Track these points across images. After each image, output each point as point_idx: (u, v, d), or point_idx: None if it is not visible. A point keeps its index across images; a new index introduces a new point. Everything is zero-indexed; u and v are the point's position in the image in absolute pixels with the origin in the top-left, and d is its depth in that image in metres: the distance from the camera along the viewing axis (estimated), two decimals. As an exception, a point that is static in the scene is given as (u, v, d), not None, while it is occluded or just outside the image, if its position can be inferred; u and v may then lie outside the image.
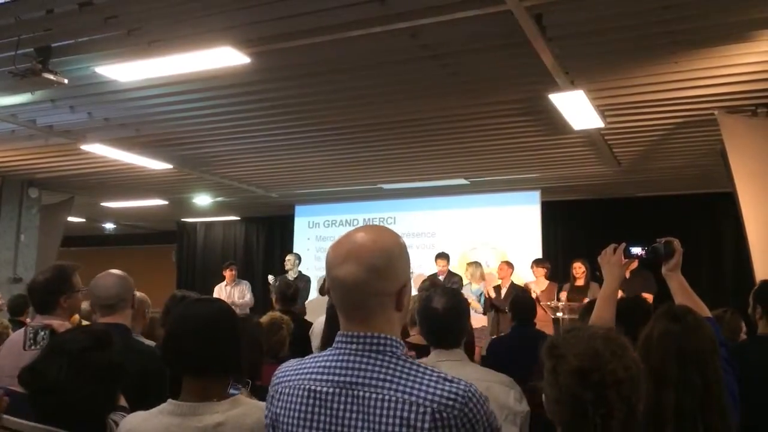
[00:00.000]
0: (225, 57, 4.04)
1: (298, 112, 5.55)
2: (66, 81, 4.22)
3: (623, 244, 2.12)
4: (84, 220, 12.18)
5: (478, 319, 7.09)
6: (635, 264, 5.34)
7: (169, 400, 1.60)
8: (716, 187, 7.39)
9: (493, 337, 4.68)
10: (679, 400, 1.61)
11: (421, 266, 8.48)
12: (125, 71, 4.34)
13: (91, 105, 5.44)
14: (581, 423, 1.16)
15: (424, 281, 6.86)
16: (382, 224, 9.88)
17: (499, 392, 2.32)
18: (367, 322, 1.31)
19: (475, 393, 1.26)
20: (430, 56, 4.30)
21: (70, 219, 10.25)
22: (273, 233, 12.19)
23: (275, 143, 6.63)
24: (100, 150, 6.67)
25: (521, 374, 3.38)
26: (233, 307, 7.07)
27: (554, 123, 5.60)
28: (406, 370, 1.28)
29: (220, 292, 8.67)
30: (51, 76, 4.07)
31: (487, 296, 7.33)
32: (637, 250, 2.12)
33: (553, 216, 9.49)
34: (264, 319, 3.12)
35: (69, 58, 4.22)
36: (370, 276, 1.29)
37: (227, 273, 8.81)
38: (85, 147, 6.57)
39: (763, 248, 4.68)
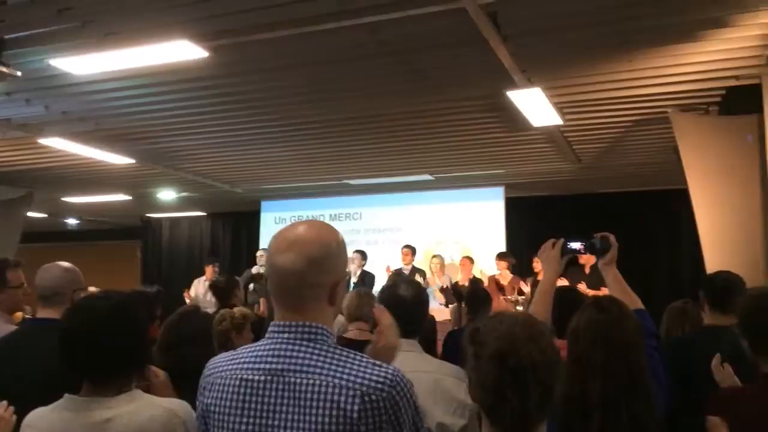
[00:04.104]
0: (182, 50, 4.00)
1: (259, 107, 5.53)
2: (19, 73, 4.16)
3: (561, 240, 2.17)
4: (46, 215, 11.95)
5: (441, 313, 7.17)
6: (593, 259, 5.45)
7: (66, 395, 1.61)
8: (674, 183, 7.55)
9: (450, 330, 4.74)
10: (605, 388, 1.68)
11: (386, 261, 8.53)
12: (81, 64, 4.28)
13: (48, 98, 5.35)
14: (502, 406, 1.20)
15: (391, 275, 6.92)
16: (348, 219, 10.02)
17: (450, 384, 2.36)
18: (301, 311, 1.36)
19: (402, 378, 1.32)
20: (390, 52, 4.33)
21: (31, 214, 10.05)
22: (239, 229, 12.13)
23: (238, 138, 6.59)
24: (58, 144, 6.56)
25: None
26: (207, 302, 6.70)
27: (514, 120, 5.68)
28: (336, 357, 1.33)
29: (198, 285, 8.54)
30: (3, 69, 4.00)
31: (449, 287, 7.41)
32: (575, 245, 2.17)
33: (517, 212, 9.62)
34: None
35: (22, 50, 4.13)
36: (308, 266, 1.35)
37: (208, 269, 8.61)
38: (43, 141, 6.45)
39: (713, 242, 4.81)
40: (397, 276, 6.93)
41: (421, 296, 2.40)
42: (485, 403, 1.25)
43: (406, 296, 2.30)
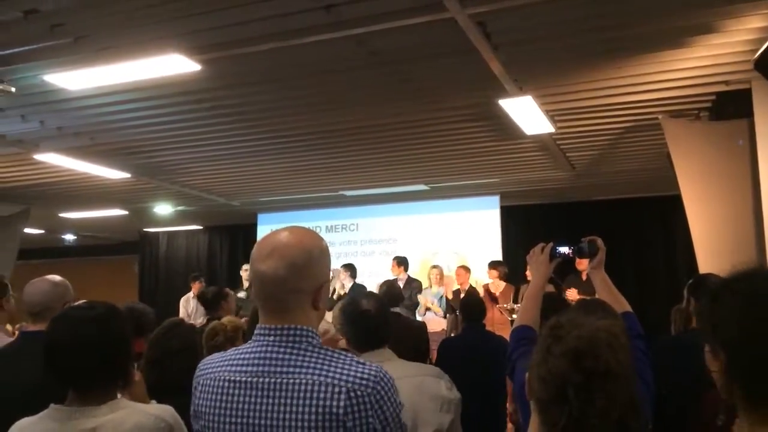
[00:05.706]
0: (175, 64, 4.04)
1: (253, 119, 5.56)
2: (13, 90, 4.20)
3: (551, 244, 2.19)
4: (43, 231, 11.96)
5: (438, 322, 7.16)
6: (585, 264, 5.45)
7: (52, 405, 1.62)
8: (668, 189, 7.57)
9: (443, 339, 4.74)
10: None
11: (382, 272, 8.53)
12: (75, 79, 4.32)
13: (43, 114, 5.38)
14: (559, 405, 1.17)
15: (381, 285, 6.90)
16: (344, 231, 10.04)
17: (431, 384, 2.41)
18: (284, 316, 1.39)
19: (385, 375, 1.35)
20: (380, 63, 4.36)
21: (27, 231, 10.06)
22: (236, 242, 12.13)
23: (233, 151, 6.62)
24: (54, 159, 6.59)
25: (470, 372, 3.44)
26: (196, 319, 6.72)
27: (507, 128, 5.71)
28: (321, 357, 1.36)
29: (187, 303, 8.56)
30: (-3, 85, 4.04)
31: (447, 299, 7.41)
32: (564, 250, 2.19)
33: (513, 220, 9.65)
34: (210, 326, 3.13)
35: (16, 66, 4.17)
36: (290, 272, 1.37)
37: (194, 285, 8.69)
38: (39, 156, 6.48)
39: (706, 246, 4.83)
40: (389, 288, 6.87)
41: (383, 307, 2.45)
42: (542, 396, 1.22)
43: (369, 309, 2.36)
